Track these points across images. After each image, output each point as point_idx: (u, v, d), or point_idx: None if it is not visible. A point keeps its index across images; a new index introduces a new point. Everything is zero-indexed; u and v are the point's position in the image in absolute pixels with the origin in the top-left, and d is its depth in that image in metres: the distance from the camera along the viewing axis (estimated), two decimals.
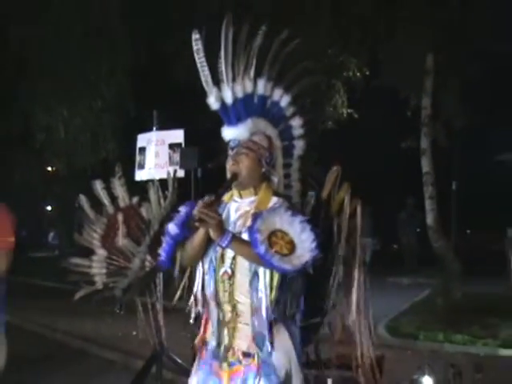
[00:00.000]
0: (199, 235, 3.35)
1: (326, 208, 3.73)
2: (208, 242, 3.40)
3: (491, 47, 12.69)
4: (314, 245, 3.20)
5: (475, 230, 32.92)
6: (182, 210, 3.50)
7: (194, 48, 3.47)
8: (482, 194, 24.88)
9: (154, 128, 7.17)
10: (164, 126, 7.39)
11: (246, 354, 3.36)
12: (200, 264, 3.49)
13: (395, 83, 14.02)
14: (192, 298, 3.56)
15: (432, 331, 10.12)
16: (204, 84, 3.53)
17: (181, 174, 6.61)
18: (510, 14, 12.17)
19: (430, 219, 13.55)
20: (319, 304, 3.81)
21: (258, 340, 3.33)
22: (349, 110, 15.31)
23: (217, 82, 3.51)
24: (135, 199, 6.59)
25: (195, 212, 3.24)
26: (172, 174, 6.56)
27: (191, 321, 3.63)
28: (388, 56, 13.44)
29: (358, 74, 14.64)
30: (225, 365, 3.41)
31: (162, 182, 6.67)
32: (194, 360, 6.08)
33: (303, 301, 3.51)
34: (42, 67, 14.84)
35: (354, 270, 3.83)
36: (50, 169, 23.19)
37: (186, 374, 6.46)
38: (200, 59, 3.48)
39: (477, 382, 5.59)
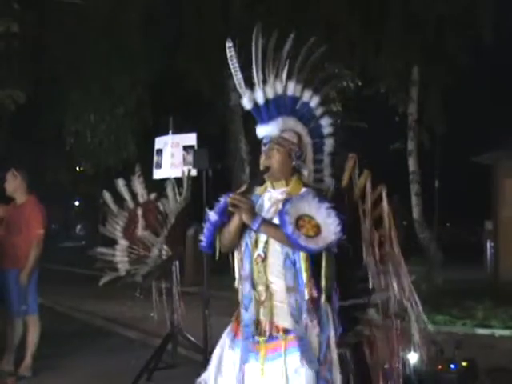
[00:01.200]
0: (234, 221, 3.33)
1: (349, 194, 3.65)
2: (243, 229, 3.37)
3: (463, 61, 12.73)
4: (338, 228, 3.15)
5: (455, 223, 32.93)
6: (222, 199, 3.42)
7: (228, 55, 3.41)
8: (461, 190, 24.84)
9: (170, 132, 7.16)
10: (179, 131, 7.37)
11: (286, 331, 3.29)
12: (237, 248, 3.44)
13: (385, 92, 14.05)
14: (236, 279, 3.46)
15: None
16: (237, 87, 3.48)
17: (194, 173, 6.61)
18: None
19: (415, 213, 13.56)
20: (362, 286, 3.68)
21: (294, 317, 3.27)
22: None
23: (249, 84, 3.46)
24: (153, 195, 6.60)
25: (228, 199, 3.26)
26: (186, 173, 6.55)
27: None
28: (378, 68, 13.46)
29: (351, 84, 14.63)
30: (261, 340, 3.33)
31: (177, 180, 6.67)
32: (205, 338, 6.13)
33: (340, 282, 3.42)
34: (73, 81, 14.97)
35: (396, 251, 3.72)
36: (78, 169, 23.25)
37: (199, 350, 6.51)
38: (233, 64, 3.43)
39: (456, 357, 5.56)
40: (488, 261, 15.33)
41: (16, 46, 12.82)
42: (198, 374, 3.61)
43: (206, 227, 3.44)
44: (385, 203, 3.67)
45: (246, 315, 3.38)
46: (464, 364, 5.49)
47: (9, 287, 6.69)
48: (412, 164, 13.49)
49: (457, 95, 14.87)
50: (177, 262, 6.73)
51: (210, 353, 5.84)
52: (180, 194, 6.51)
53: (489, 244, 15.35)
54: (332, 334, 3.30)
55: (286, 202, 3.26)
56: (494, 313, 9.90)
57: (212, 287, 6.65)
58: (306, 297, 3.25)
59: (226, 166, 14.69)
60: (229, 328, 3.54)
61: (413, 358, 5.58)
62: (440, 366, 5.43)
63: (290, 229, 3.14)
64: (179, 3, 14.27)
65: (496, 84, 19.34)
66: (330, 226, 3.16)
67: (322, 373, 3.26)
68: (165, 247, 6.44)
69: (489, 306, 10.27)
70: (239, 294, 3.45)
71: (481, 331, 9.17)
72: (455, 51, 12.85)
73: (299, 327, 3.26)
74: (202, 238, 3.46)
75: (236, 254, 3.46)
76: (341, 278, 3.43)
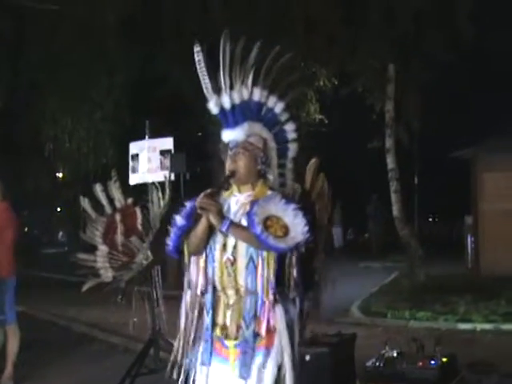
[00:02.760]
0: (202, 224, 3.35)
1: (308, 196, 3.77)
2: (209, 233, 3.41)
3: (441, 57, 12.80)
4: (306, 229, 3.22)
5: (436, 219, 33.15)
6: (188, 203, 3.48)
7: (196, 59, 3.46)
8: (440, 187, 24.99)
9: (147, 136, 7.15)
10: (157, 134, 7.37)
11: (255, 334, 3.33)
12: (203, 253, 3.47)
13: (361, 90, 14.12)
14: (195, 284, 3.50)
15: (399, 309, 10.14)
16: (205, 91, 3.53)
17: (171, 177, 6.61)
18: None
19: (395, 211, 13.62)
20: (311, 280, 3.77)
21: (246, 319, 3.33)
22: (320, 116, 15.36)
23: (217, 89, 3.52)
24: (130, 200, 6.57)
25: (197, 202, 3.28)
26: (168, 178, 6.53)
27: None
28: (354, 66, 13.52)
29: (328, 83, 14.69)
30: (231, 344, 3.37)
31: (160, 185, 6.66)
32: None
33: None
34: (50, 87, 14.87)
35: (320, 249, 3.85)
36: (58, 175, 23.10)
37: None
38: (201, 69, 3.48)
39: (437, 354, 5.60)
40: (469, 255, 15.43)
41: None
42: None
43: (173, 232, 3.48)
44: (326, 194, 3.85)
45: (207, 319, 3.43)
46: (444, 360, 5.52)
47: None
48: (390, 161, 13.54)
49: (434, 91, 14.96)
50: (159, 267, 6.72)
51: None
52: (163, 199, 6.51)
53: (469, 239, 15.44)
54: (288, 336, 3.34)
55: (253, 203, 3.31)
56: (475, 307, 9.98)
57: None
58: (263, 300, 3.30)
59: (206, 168, 14.69)
60: None
61: (393, 355, 5.67)
62: (421, 363, 5.47)
63: (258, 229, 3.19)
64: (159, 5, 14.22)
65: (473, 79, 19.47)
66: (297, 226, 3.22)
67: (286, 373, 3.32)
68: (148, 252, 6.44)
69: (470, 301, 10.34)
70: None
71: (462, 326, 9.24)
72: (432, 47, 12.93)
73: (247, 331, 3.31)
74: (169, 242, 3.51)
75: (195, 258, 3.48)
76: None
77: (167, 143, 7.02)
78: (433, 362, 5.45)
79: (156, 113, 13.22)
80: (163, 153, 6.96)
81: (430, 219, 33.36)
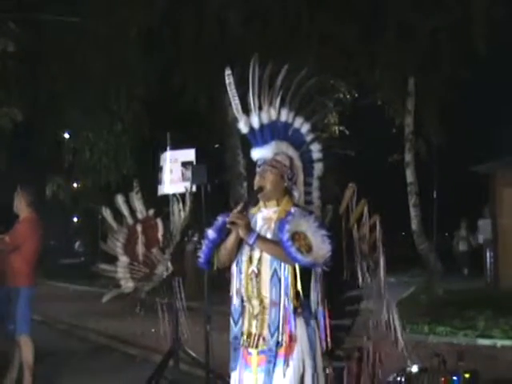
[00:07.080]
0: (231, 238, 3.52)
1: (346, 221, 3.87)
2: (238, 247, 3.56)
3: (459, 73, 12.80)
4: (328, 254, 3.36)
5: (454, 233, 32.85)
6: (219, 218, 3.63)
7: (227, 81, 3.64)
8: (459, 200, 24.83)
9: (168, 148, 7.16)
10: (177, 146, 7.37)
11: (278, 343, 3.44)
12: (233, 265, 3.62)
13: (381, 104, 14.12)
14: (232, 294, 3.64)
15: (418, 324, 10.04)
16: (235, 112, 3.71)
17: (193, 188, 6.62)
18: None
19: (414, 225, 13.58)
20: (350, 307, 3.96)
21: (271, 329, 3.45)
22: (340, 128, 15.33)
23: (245, 110, 3.68)
24: (151, 211, 6.59)
25: (228, 217, 3.43)
26: (189, 190, 6.53)
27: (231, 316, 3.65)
28: (374, 80, 13.52)
29: (348, 96, 14.68)
30: (254, 352, 3.52)
31: (182, 196, 6.67)
32: (207, 354, 6.12)
33: (327, 301, 3.63)
34: (71, 99, 15.01)
35: (380, 278, 3.96)
36: (76, 185, 23.24)
37: (200, 366, 6.49)
38: (231, 91, 3.67)
39: (459, 369, 5.54)
40: (488, 270, 15.30)
41: (13, 66, 12.87)
42: None
43: (205, 244, 3.64)
44: (378, 233, 3.90)
45: (235, 328, 3.60)
46: (467, 376, 5.45)
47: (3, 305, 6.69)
48: (409, 175, 13.53)
49: (453, 105, 14.92)
50: (180, 278, 6.72)
51: (212, 368, 5.86)
52: (184, 211, 6.52)
53: (488, 253, 15.32)
54: (309, 348, 3.48)
55: (288, 213, 3.45)
56: (495, 323, 9.87)
57: (213, 302, 6.63)
58: (291, 311, 3.44)
59: (224, 180, 14.73)
60: None
61: (415, 370, 5.60)
62: (443, 378, 5.40)
63: (286, 236, 3.34)
64: (177, 20, 14.33)
65: (493, 93, 19.43)
66: (320, 250, 3.36)
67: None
68: (168, 264, 6.46)
69: (490, 316, 10.24)
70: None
71: (482, 342, 9.14)
72: (451, 63, 12.93)
73: (272, 340, 3.44)
74: (201, 254, 3.65)
75: (232, 270, 3.64)
76: (331, 299, 3.67)
77: (189, 155, 7.01)
78: (455, 377, 5.38)
79: (175, 125, 13.27)
80: (184, 164, 6.96)
81: (447, 233, 33.11)
